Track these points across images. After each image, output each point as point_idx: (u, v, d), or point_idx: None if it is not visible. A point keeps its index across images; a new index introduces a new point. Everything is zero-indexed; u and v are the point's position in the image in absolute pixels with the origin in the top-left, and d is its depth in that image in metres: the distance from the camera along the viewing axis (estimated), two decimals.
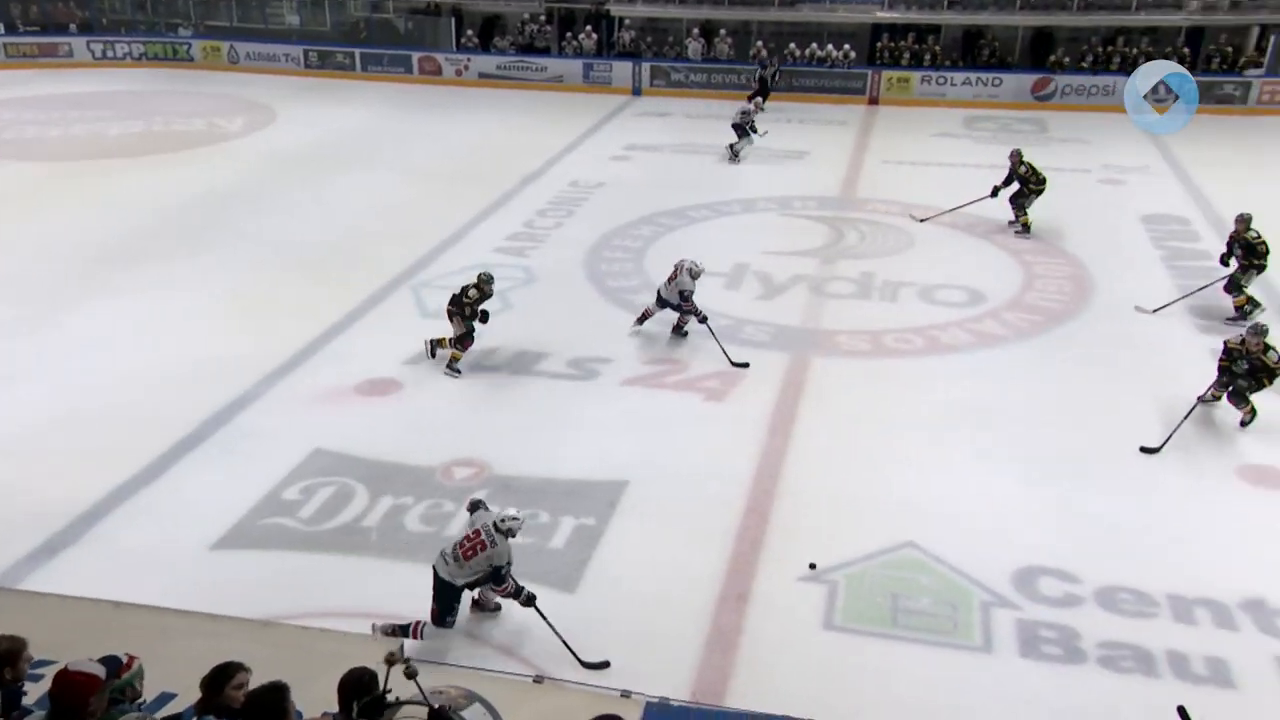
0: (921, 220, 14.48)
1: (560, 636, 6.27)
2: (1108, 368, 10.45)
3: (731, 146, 18.51)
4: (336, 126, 21.12)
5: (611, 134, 20.94)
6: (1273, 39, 21.68)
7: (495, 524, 6.18)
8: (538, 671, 5.79)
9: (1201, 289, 11.82)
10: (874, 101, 23.04)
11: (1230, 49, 22.13)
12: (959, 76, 23.07)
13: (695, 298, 10.60)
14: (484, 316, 10.13)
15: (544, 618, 6.33)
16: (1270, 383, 9.03)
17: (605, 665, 6.23)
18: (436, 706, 3.21)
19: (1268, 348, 8.91)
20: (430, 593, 6.34)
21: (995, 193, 14.23)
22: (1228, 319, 11.36)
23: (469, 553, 6.15)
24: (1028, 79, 22.72)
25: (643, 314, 11.14)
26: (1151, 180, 17.12)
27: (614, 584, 7.18)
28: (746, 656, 6.49)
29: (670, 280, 10.74)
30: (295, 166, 17.98)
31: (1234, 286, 11.51)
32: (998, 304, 12.03)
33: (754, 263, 13.36)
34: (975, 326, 11.46)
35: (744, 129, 18.50)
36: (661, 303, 10.89)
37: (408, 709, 3.39)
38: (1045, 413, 9.52)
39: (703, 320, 10.60)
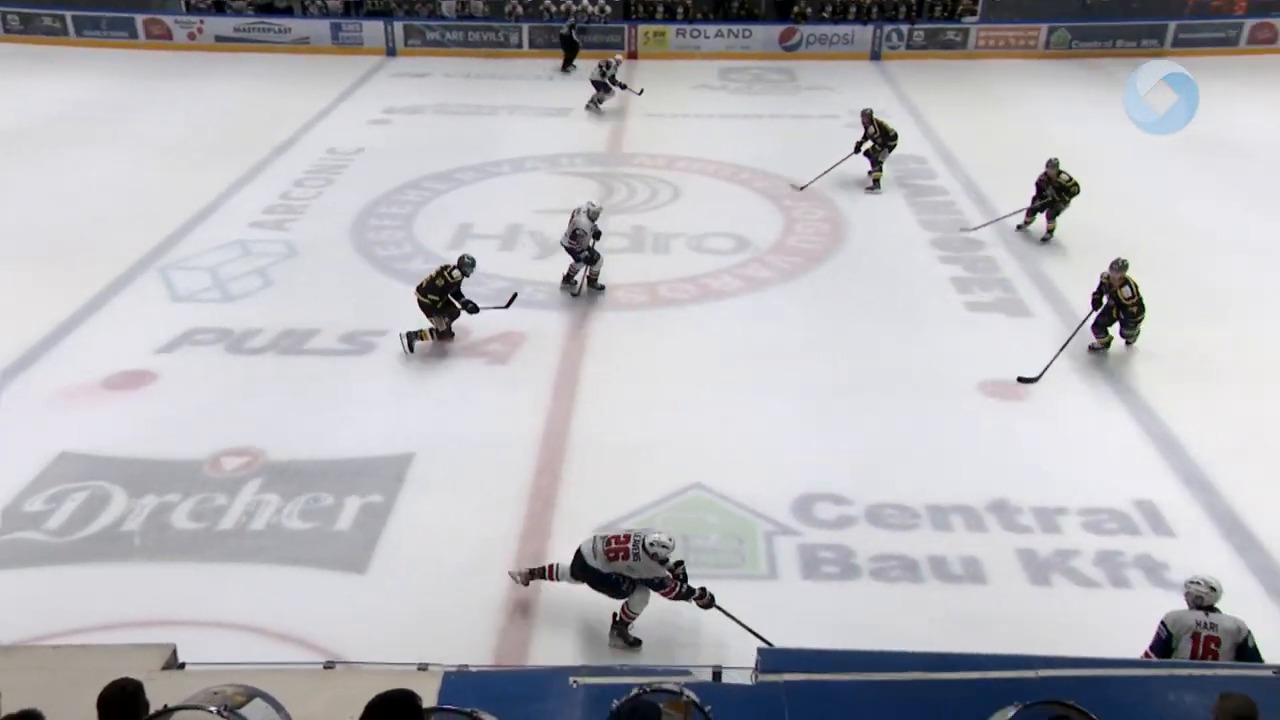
0: (801, 188, 14.51)
1: (745, 626, 5.95)
2: (864, 302, 11.14)
3: (594, 99, 18.61)
4: (51, 99, 19.04)
5: (367, 97, 20.08)
6: None
7: (645, 544, 5.95)
8: (331, 657, 5.58)
9: (1015, 213, 12.84)
10: (633, 56, 23.29)
11: None
12: (711, 29, 23.70)
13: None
14: (472, 308, 9.69)
15: (728, 615, 6.04)
16: (1121, 317, 9.56)
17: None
18: (213, 709, 3.02)
19: (1124, 282, 9.43)
20: None
21: (858, 149, 14.67)
22: (1042, 239, 12.56)
23: (613, 554, 6.04)
24: (775, 30, 23.65)
25: (567, 273, 11.18)
26: (891, 123, 18.22)
27: (408, 559, 7.02)
28: (547, 615, 6.53)
29: (570, 223, 10.94)
30: (4, 147, 16.10)
31: (1048, 216, 12.60)
32: (763, 249, 12.54)
33: (527, 222, 13.26)
34: (743, 272, 11.91)
35: (604, 84, 18.49)
36: (570, 252, 11.02)
37: (184, 715, 3.17)
38: (813, 348, 10.05)
39: (591, 261, 10.97)
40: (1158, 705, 3.87)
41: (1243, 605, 6.49)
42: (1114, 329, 9.73)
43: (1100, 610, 6.53)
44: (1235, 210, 13.39)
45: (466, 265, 9.67)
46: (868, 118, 14.63)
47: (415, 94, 20.18)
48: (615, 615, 6.22)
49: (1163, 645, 5.19)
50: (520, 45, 23.68)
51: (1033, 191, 12.63)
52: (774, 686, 3.98)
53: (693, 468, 8.00)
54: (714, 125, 18.18)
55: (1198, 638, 5.10)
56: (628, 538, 6.05)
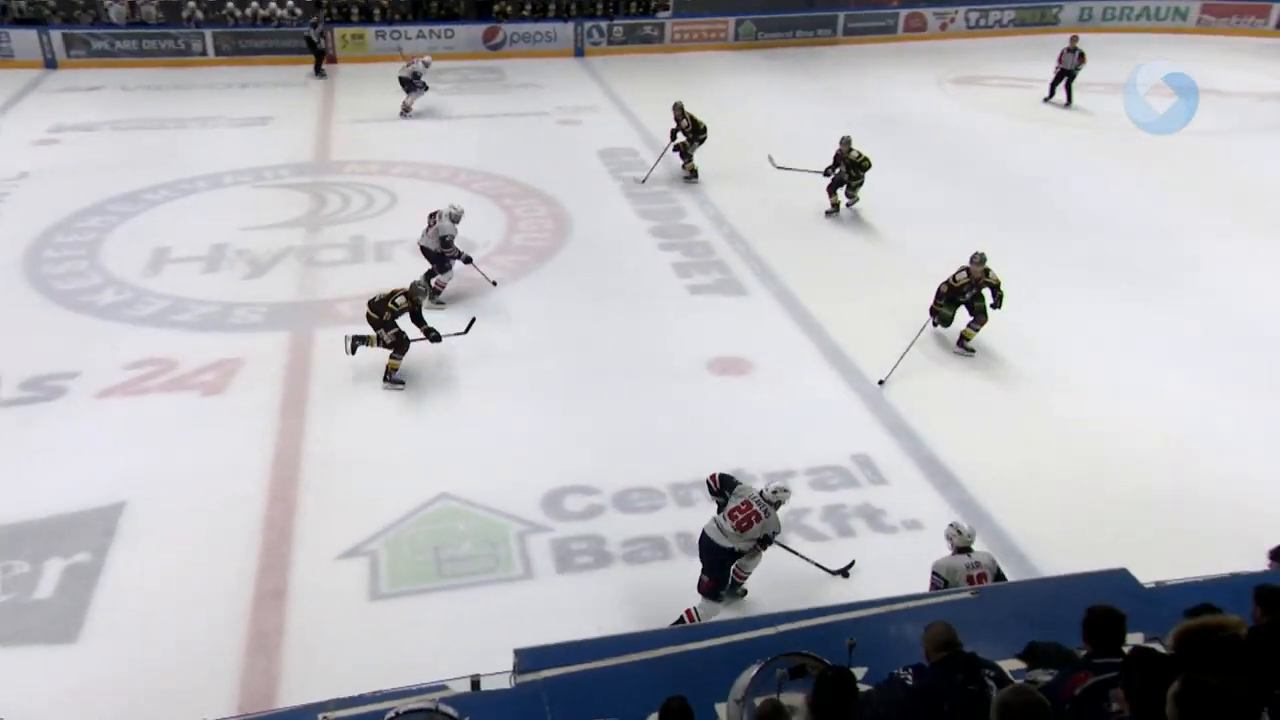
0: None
1: (810, 560, 6.58)
2: (594, 294, 11.34)
3: (405, 105, 18.34)
4: None
5: (28, 115, 17.99)
6: None
7: (763, 494, 6.25)
8: None
9: (817, 171, 13.28)
10: (332, 60, 22.40)
11: None
12: (412, 30, 23.21)
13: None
14: (434, 336, 9.23)
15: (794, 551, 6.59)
16: (979, 307, 9.67)
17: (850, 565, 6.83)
18: None
19: (986, 273, 9.62)
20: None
21: (673, 140, 14.68)
22: (827, 212, 13.36)
23: (743, 524, 6.15)
24: (478, 29, 23.54)
25: (428, 274, 10.66)
26: (600, 117, 18.74)
27: (126, 618, 6.38)
28: (294, 651, 6.16)
29: (428, 229, 10.71)
30: None
31: (833, 190, 13.32)
32: (488, 250, 12.46)
33: (233, 241, 12.42)
34: (472, 274, 11.77)
35: (413, 83, 18.20)
36: (426, 254, 10.71)
37: None
38: (549, 344, 10.11)
39: (467, 260, 10.87)
40: (884, 640, 4.23)
41: None
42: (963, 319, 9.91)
43: (833, 559, 7.02)
44: (909, 179, 14.81)
45: (420, 291, 9.25)
46: (679, 111, 14.81)
47: (87, 110, 18.31)
48: (730, 578, 6.39)
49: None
50: (204, 53, 22.11)
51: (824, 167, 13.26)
52: (533, 685, 3.97)
53: (438, 477, 7.83)
54: (425, 127, 17.84)
55: (971, 579, 5.64)
56: (745, 504, 6.20)
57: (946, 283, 9.70)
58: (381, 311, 9.08)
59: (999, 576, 5.79)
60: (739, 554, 6.24)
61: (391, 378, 9.21)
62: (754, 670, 3.43)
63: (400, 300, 9.05)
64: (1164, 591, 4.93)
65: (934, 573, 5.74)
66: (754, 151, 14.73)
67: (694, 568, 6.34)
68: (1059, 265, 11.84)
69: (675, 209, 13.87)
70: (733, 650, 3.88)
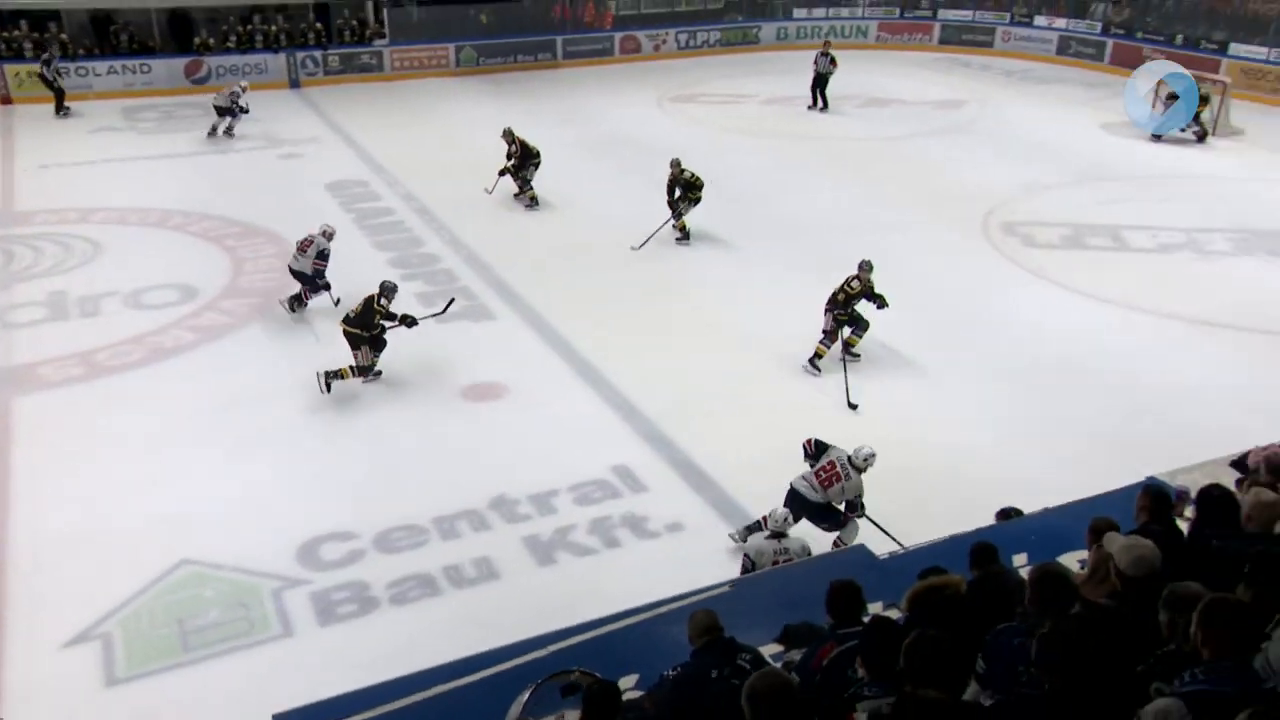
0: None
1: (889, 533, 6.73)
2: (336, 331, 10.85)
3: (228, 129, 18.14)
4: None
5: None
6: (386, 12, 24.27)
7: (851, 458, 6.83)
8: None
9: (663, 226, 13.23)
10: (6, 101, 20.23)
11: (356, 22, 24.17)
12: (102, 66, 21.38)
13: None
14: (410, 321, 9.67)
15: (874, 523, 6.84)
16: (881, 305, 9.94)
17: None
18: None
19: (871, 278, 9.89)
20: None
21: (506, 167, 14.64)
22: (677, 240, 13.31)
23: (827, 482, 6.86)
24: (178, 63, 22.04)
25: (295, 297, 10.96)
26: (325, 150, 18.07)
27: None
28: None
29: (300, 253, 10.84)
30: None
31: (677, 215, 13.30)
32: (213, 294, 11.70)
33: None
34: (196, 322, 11.02)
35: (230, 110, 17.90)
36: (298, 276, 10.88)
37: None
38: (284, 389, 9.60)
39: (327, 288, 10.96)
40: (653, 643, 4.34)
41: (706, 530, 7.57)
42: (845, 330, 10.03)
43: (602, 572, 7.13)
44: (638, 194, 15.21)
45: (389, 291, 9.53)
46: (509, 136, 14.68)
47: None
48: (835, 544, 6.92)
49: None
50: None
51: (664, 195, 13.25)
52: None
53: (176, 544, 7.27)
54: (129, 170, 16.47)
55: (777, 563, 6.13)
56: (831, 464, 6.86)
57: (842, 290, 9.90)
58: (369, 320, 9.38)
59: None
60: (832, 509, 6.93)
61: (370, 374, 9.64)
62: (525, 696, 3.42)
63: (383, 302, 9.46)
64: (897, 560, 5.38)
65: (745, 555, 6.28)
66: (488, 177, 14.76)
67: (465, 601, 6.25)
68: (786, 266, 12.62)
69: (413, 238, 13.63)
70: (506, 678, 3.85)
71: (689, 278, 12.43)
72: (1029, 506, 6.01)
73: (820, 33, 26.54)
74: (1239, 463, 6.43)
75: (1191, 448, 7.27)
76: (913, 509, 7.40)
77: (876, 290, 9.93)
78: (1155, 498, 4.41)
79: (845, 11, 27.47)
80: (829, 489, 6.87)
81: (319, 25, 23.57)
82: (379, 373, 9.71)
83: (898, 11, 27.36)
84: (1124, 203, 14.94)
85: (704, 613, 3.78)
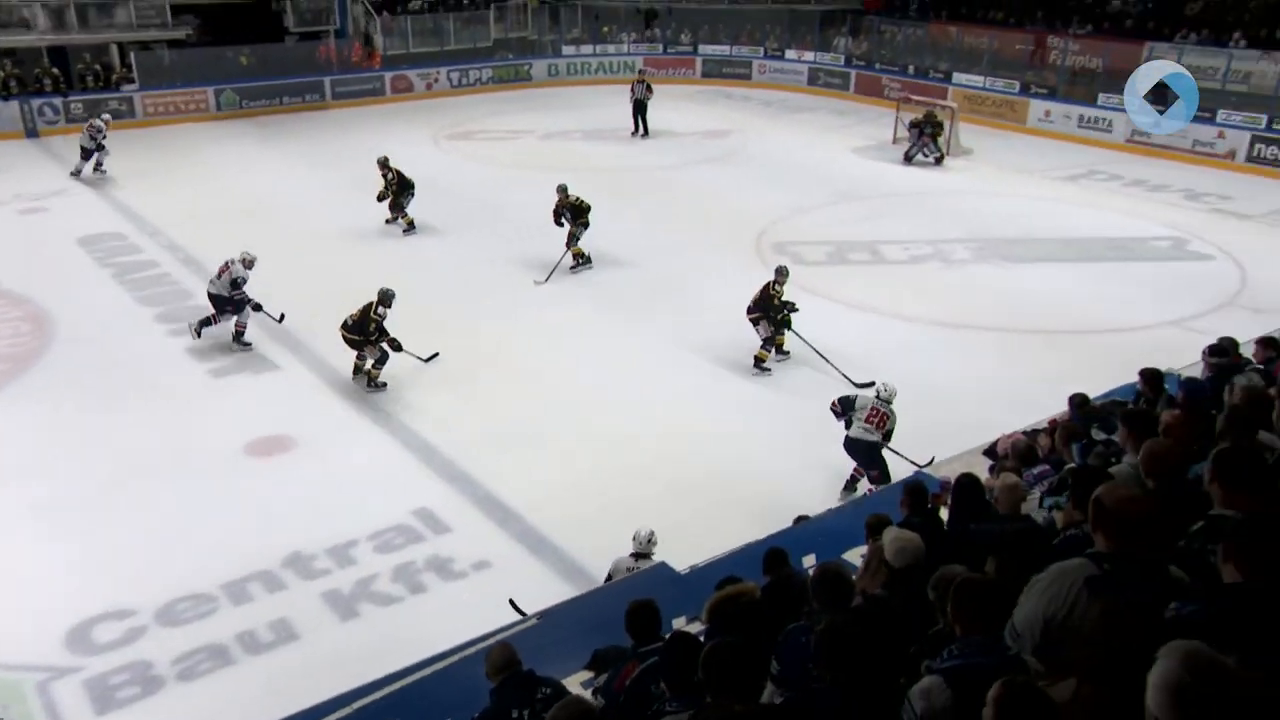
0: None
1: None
2: (99, 396, 10.11)
3: (87, 165, 17.63)
4: None
5: None
6: (133, 55, 22.82)
7: (879, 396, 8.27)
8: None
9: (559, 261, 13.28)
10: None
11: (99, 66, 22.56)
12: None
13: None
14: (395, 345, 10.03)
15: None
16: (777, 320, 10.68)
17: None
18: None
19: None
20: None
21: (381, 198, 14.76)
22: (572, 268, 13.44)
23: (879, 422, 8.15)
24: None
25: (205, 320, 10.95)
26: (74, 202, 16.75)
27: None
28: None
29: (219, 277, 10.85)
30: None
31: (572, 241, 13.39)
32: None
33: None
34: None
35: (92, 150, 17.43)
36: (215, 300, 10.85)
37: None
38: (49, 460, 8.87)
39: (258, 308, 10.96)
40: (461, 684, 4.30)
41: (513, 565, 7.57)
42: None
43: (409, 619, 6.97)
44: (433, 232, 15.11)
45: (387, 299, 9.90)
46: (384, 165, 14.71)
47: None
48: (869, 491, 8.12)
49: None
50: None
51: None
52: None
53: None
54: None
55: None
56: (874, 409, 8.17)
57: (773, 294, 10.59)
58: (366, 326, 9.82)
59: None
60: (878, 447, 8.18)
61: (375, 383, 10.15)
62: None
63: (381, 310, 9.87)
64: (697, 573, 5.59)
65: (609, 574, 6.43)
66: (262, 223, 14.16)
67: (263, 666, 5.94)
68: (575, 299, 12.79)
69: (180, 291, 12.85)
70: None
71: (479, 310, 12.36)
72: (812, 510, 6.41)
73: (590, 69, 27.22)
74: (990, 451, 7.12)
75: (952, 440, 7.98)
76: (705, 521, 7.69)
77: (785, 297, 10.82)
78: (913, 492, 4.84)
79: (612, 48, 28.35)
80: (882, 426, 8.19)
81: (55, 70, 21.87)
82: (384, 384, 10.18)
83: (661, 47, 28.48)
84: (877, 219, 16.16)
85: (500, 647, 3.77)
